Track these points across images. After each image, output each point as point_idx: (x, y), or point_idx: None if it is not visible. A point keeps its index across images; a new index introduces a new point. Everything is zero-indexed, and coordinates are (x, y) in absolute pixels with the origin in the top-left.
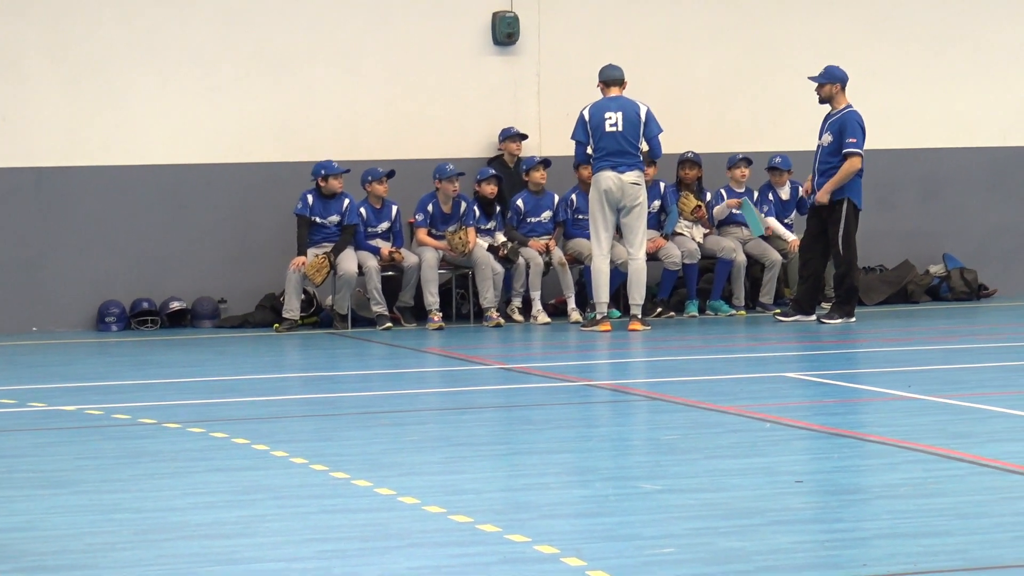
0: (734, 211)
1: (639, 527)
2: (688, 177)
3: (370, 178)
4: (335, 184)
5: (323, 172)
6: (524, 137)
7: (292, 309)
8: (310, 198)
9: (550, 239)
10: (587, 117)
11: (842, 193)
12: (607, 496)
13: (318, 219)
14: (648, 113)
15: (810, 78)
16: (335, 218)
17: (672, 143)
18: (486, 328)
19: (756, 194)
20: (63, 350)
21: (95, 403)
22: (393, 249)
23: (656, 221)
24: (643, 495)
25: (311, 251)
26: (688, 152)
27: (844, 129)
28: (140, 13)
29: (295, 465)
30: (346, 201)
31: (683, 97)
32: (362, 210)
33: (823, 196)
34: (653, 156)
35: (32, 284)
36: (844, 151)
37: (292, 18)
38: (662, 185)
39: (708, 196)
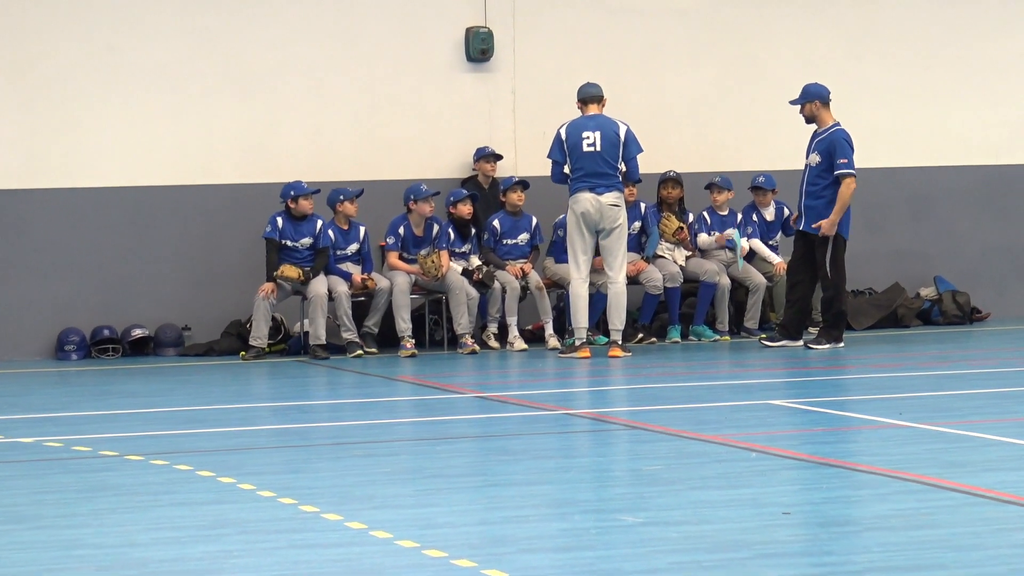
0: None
1: (620, 561)
2: (670, 197)
3: (341, 197)
4: (305, 205)
5: (292, 193)
6: (499, 157)
7: (260, 336)
8: (280, 221)
9: (526, 263)
10: (564, 136)
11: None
12: (587, 529)
13: (289, 242)
14: (628, 133)
15: (791, 103)
16: (307, 241)
17: (653, 162)
18: (461, 355)
19: (740, 215)
20: (20, 380)
21: (54, 435)
22: (366, 276)
23: (637, 243)
24: (625, 528)
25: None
26: (670, 171)
27: (833, 149)
28: (100, 31)
29: (263, 498)
30: (319, 223)
31: (664, 114)
32: (330, 232)
33: (830, 228)
34: (630, 179)
35: None
36: (836, 172)
37: (259, 35)
38: (643, 206)
39: (691, 217)
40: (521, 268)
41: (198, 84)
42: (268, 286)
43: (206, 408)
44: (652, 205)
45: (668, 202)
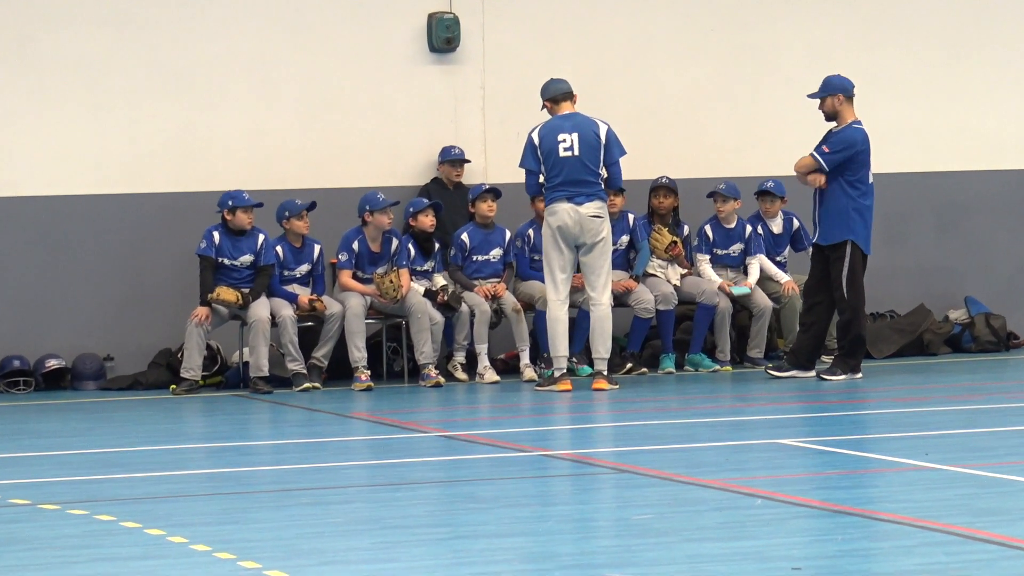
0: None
1: None
2: (662, 207)
3: (287, 213)
4: (243, 218)
5: (230, 203)
6: (466, 162)
7: (193, 367)
8: (216, 235)
9: (499, 283)
10: (537, 141)
11: (845, 233)
12: None
13: (226, 260)
14: (609, 133)
15: (809, 96)
16: (247, 258)
17: (642, 167)
18: (423, 388)
19: (748, 228)
20: None
21: None
22: (313, 297)
23: (624, 260)
24: None
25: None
26: (662, 177)
27: (836, 142)
28: (10, 18)
29: (196, 553)
30: (260, 237)
31: (655, 113)
32: (278, 248)
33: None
34: (612, 186)
35: None
36: (812, 151)
37: (192, 23)
38: (631, 217)
39: (686, 230)
40: (493, 288)
41: (122, 79)
42: (202, 311)
43: (131, 450)
44: (642, 216)
45: (660, 212)
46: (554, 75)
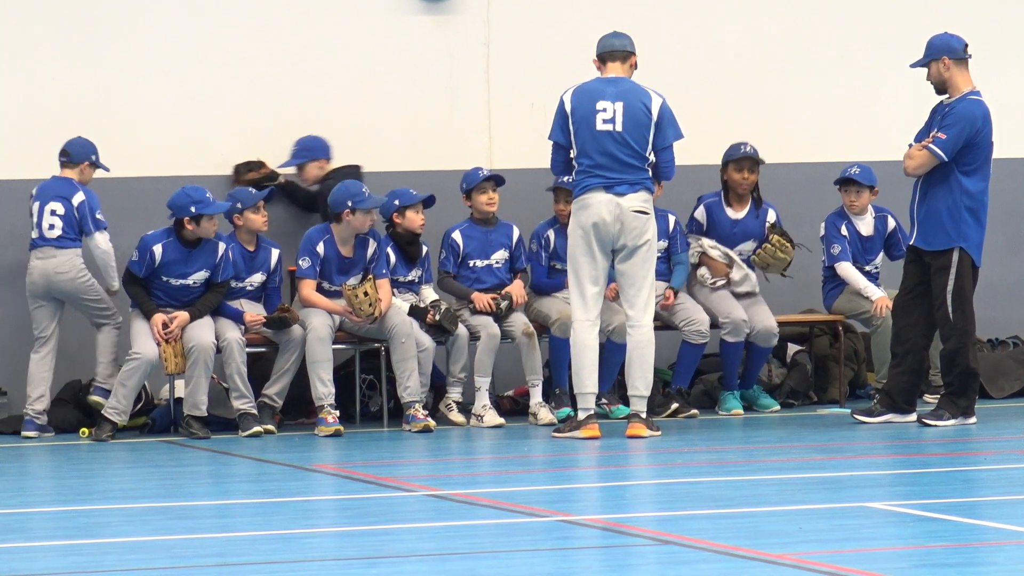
0: None
1: None
2: (745, 183)
3: (240, 205)
4: (209, 228)
5: (193, 210)
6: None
7: (121, 408)
8: (158, 251)
9: (504, 297)
10: (569, 107)
11: (954, 239)
12: None
13: (174, 280)
14: (664, 109)
15: (912, 65)
16: (202, 275)
17: (691, 150)
18: (408, 434)
19: (892, 222)
20: None
21: None
22: (258, 318)
23: (667, 271)
24: None
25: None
26: (744, 144)
27: (950, 123)
28: None
29: None
30: (220, 248)
31: (711, 79)
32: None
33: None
34: (660, 177)
35: None
36: (924, 142)
37: None
38: (671, 219)
39: (772, 215)
40: (496, 300)
41: (11, 30)
42: (159, 317)
43: (31, 511)
44: (713, 194)
45: (738, 191)
46: (579, 30)
